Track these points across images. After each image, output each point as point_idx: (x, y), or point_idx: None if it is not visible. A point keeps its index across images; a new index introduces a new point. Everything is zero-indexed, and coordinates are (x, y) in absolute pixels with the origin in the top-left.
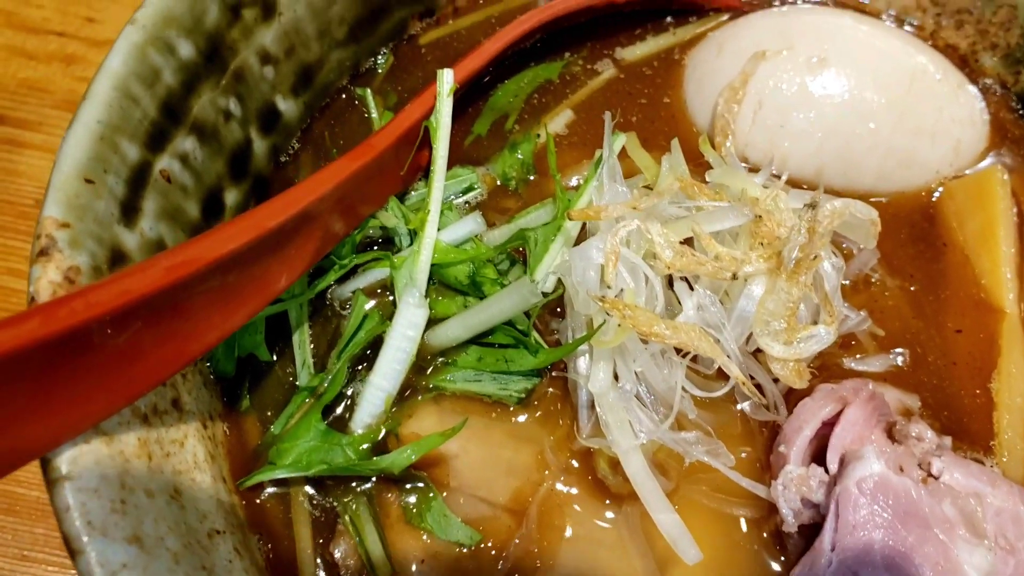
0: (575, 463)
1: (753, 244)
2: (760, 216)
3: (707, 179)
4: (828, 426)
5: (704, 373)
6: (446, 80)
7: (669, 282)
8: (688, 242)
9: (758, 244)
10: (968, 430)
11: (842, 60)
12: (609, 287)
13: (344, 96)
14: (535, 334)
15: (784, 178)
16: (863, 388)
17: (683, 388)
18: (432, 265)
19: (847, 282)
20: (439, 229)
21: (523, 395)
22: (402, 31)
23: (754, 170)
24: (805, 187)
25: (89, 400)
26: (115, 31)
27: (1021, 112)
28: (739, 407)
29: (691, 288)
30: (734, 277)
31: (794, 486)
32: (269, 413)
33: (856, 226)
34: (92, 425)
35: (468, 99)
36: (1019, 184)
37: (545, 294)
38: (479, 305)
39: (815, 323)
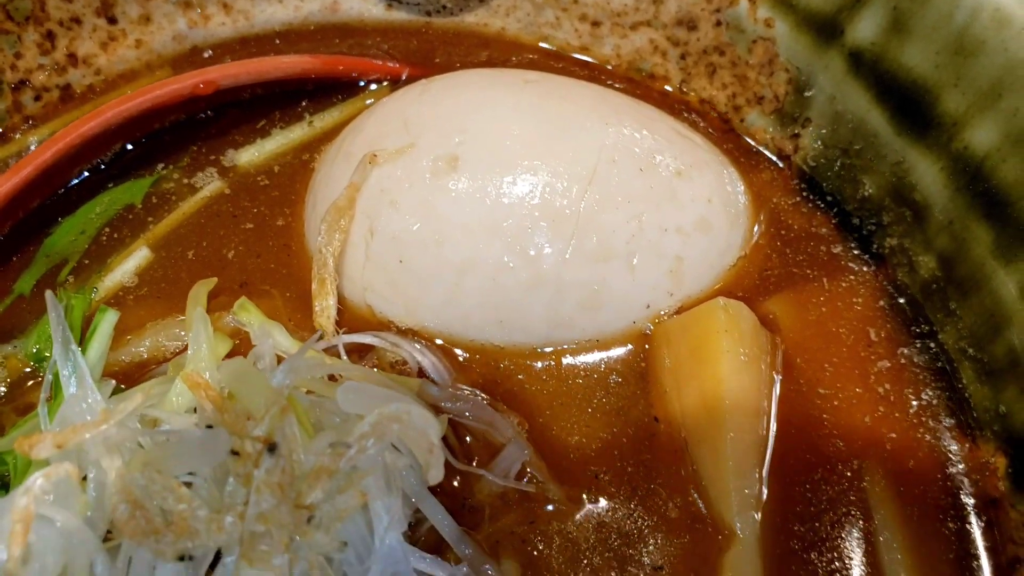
0: None
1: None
2: (238, 452)
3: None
4: None
5: None
6: None
7: None
8: None
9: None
10: None
11: (481, 155)
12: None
13: None
14: None
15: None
16: None
17: None
18: None
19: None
20: None
21: None
22: None
23: (381, 325)
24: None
25: None
26: None
27: (805, 194)
28: None
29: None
30: (183, 558)
31: None
32: None
33: (418, 442)
34: None
35: (15, 243)
36: (791, 310)
37: None
38: None
39: None
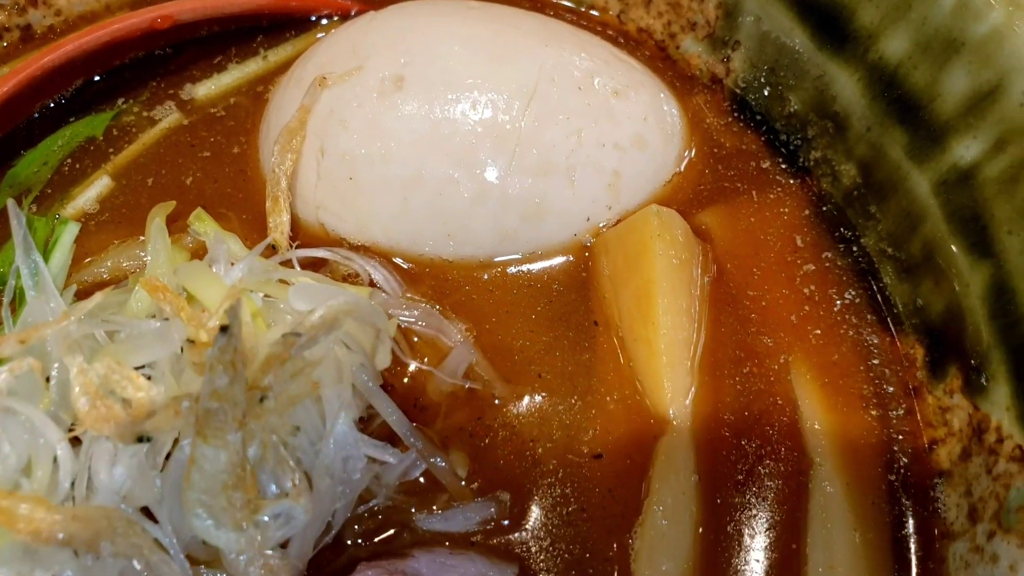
0: None
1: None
2: (192, 340)
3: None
4: None
5: None
6: None
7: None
8: None
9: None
10: None
11: (426, 75)
12: None
13: None
14: None
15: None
16: None
17: None
18: None
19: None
20: None
21: None
22: None
23: (334, 242)
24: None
25: None
26: None
27: (736, 115)
28: None
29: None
30: (142, 440)
31: None
32: None
33: (366, 334)
34: None
35: None
36: (723, 221)
37: None
38: None
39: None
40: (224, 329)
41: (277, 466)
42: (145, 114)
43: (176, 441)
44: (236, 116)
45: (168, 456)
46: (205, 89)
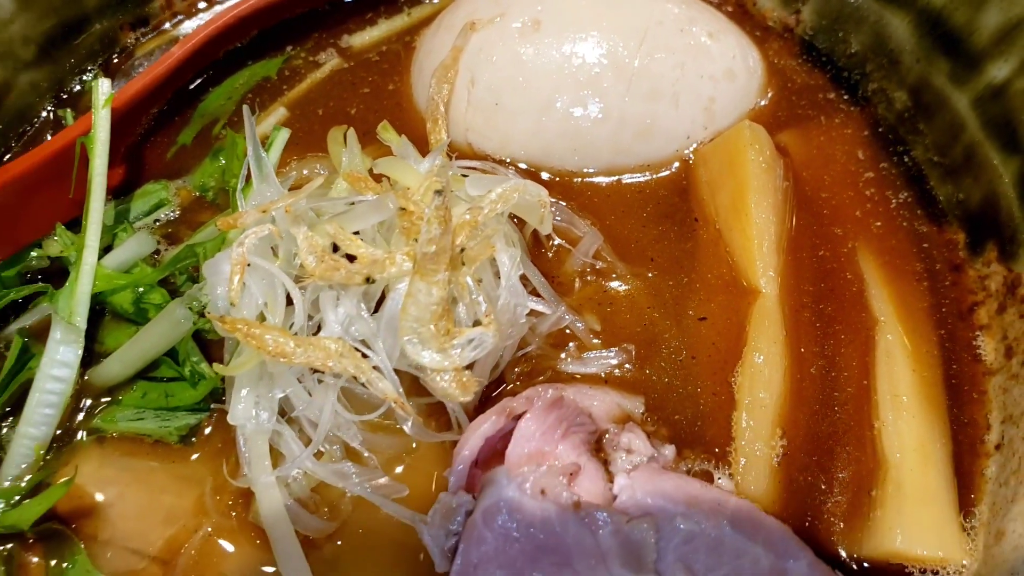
0: (236, 505)
1: (408, 240)
2: (404, 208)
3: (374, 170)
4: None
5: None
6: (101, 91)
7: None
8: None
9: (411, 240)
10: (702, 436)
11: (558, 19)
12: (233, 304)
13: (48, 121)
14: (195, 363)
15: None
16: (542, 395)
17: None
18: (99, 294)
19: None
20: (106, 253)
21: (184, 432)
22: (111, 44)
23: (480, 157)
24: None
25: None
26: None
27: (805, 57)
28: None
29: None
30: (368, 280)
31: (439, 518)
32: None
33: (530, 209)
34: None
35: (177, 107)
36: (797, 140)
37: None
38: (134, 337)
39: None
40: (438, 192)
41: (470, 303)
42: (311, 59)
43: (385, 291)
44: (389, 60)
45: (380, 302)
46: (360, 39)
